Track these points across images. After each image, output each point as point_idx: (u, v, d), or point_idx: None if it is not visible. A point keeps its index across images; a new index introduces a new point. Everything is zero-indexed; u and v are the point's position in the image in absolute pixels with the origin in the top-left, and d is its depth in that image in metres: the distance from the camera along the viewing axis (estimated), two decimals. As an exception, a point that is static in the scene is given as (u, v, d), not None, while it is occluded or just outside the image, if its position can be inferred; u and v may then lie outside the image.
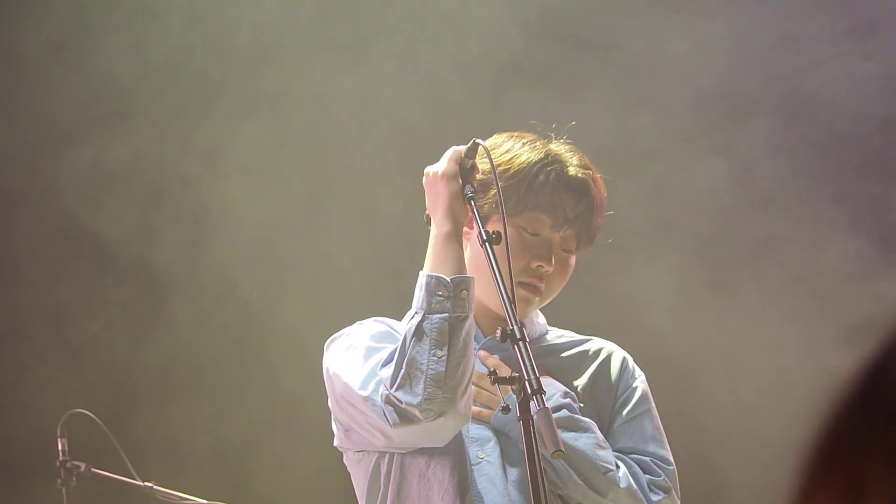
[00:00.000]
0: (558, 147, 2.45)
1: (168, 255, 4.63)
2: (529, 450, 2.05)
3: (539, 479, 2.05)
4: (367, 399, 2.23)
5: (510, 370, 2.10)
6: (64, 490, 3.66)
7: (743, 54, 4.36)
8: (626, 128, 4.38)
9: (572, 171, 2.41)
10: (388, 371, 2.21)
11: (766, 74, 4.35)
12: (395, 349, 2.22)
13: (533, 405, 2.02)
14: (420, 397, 2.15)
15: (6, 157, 4.67)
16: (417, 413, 2.16)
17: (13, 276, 4.67)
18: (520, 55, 4.51)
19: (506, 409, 2.08)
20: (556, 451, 1.96)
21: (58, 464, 3.67)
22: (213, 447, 4.58)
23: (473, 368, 2.23)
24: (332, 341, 2.42)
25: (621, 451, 2.41)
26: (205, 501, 3.58)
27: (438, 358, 2.17)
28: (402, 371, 2.17)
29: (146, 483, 3.65)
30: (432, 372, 2.16)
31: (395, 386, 2.17)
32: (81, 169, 4.62)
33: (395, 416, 2.18)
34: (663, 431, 2.48)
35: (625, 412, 2.46)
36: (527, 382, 2.03)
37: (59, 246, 4.66)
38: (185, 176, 4.63)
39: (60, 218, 4.63)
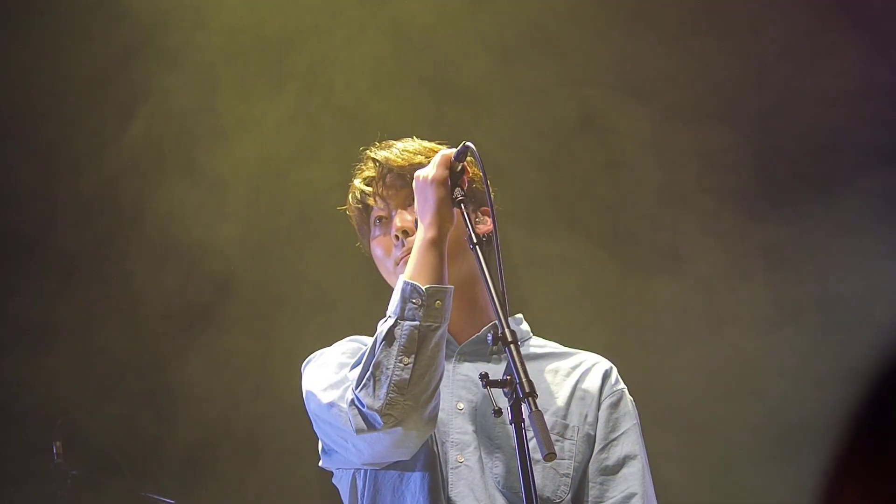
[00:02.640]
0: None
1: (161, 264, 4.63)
2: (521, 452, 2.06)
3: (531, 481, 2.05)
4: (331, 405, 2.25)
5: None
6: (59, 493, 3.66)
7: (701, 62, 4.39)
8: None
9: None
10: (356, 372, 2.23)
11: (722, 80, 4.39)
12: (365, 351, 2.24)
13: (525, 408, 2.02)
14: (382, 401, 2.16)
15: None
16: (379, 418, 2.17)
17: (15, 287, 4.68)
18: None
19: (498, 412, 2.08)
20: (549, 453, 1.96)
21: (52, 467, 3.67)
22: (209, 451, 4.57)
23: (441, 378, 2.23)
24: (307, 363, 2.44)
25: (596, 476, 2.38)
26: (199, 506, 3.58)
27: (405, 365, 2.18)
28: (368, 373, 2.19)
29: (143, 488, 3.65)
30: (396, 378, 2.17)
31: (360, 387, 2.19)
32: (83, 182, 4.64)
33: (359, 420, 2.19)
34: (644, 450, 2.43)
35: (608, 432, 2.42)
36: (518, 385, 2.04)
37: (59, 257, 4.67)
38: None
39: (56, 235, 4.64)
